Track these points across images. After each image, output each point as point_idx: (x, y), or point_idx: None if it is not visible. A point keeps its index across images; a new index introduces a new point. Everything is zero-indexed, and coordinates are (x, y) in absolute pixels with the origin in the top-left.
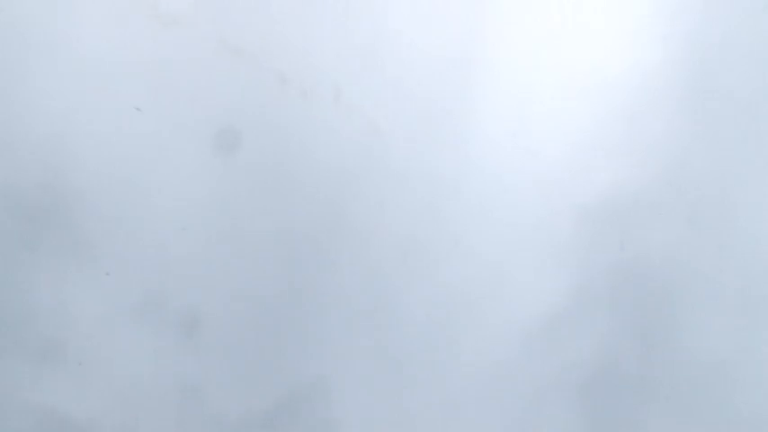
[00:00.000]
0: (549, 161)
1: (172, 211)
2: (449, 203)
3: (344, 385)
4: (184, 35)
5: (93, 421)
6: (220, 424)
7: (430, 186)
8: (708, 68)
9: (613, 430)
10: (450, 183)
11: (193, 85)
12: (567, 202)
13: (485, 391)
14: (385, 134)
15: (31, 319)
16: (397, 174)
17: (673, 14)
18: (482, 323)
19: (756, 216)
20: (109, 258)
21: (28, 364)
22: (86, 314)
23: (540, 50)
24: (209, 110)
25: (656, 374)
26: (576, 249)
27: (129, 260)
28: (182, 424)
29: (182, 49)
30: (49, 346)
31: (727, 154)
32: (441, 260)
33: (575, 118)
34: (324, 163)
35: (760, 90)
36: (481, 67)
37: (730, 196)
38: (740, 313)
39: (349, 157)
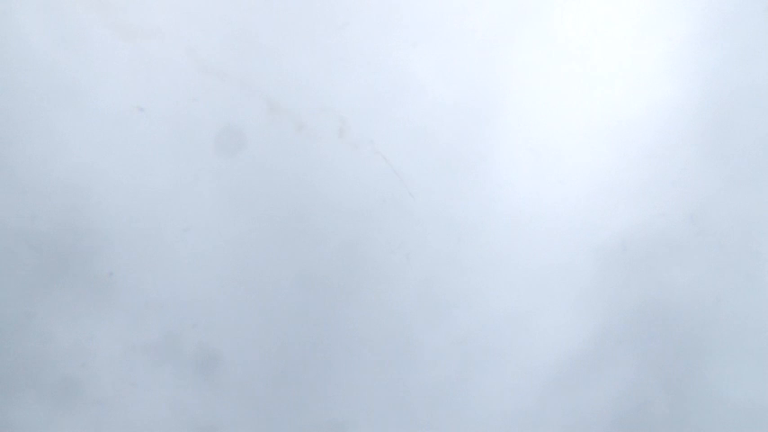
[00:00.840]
0: (569, 204)
1: (191, 253)
2: (468, 248)
3: (363, 430)
4: (213, 85)
5: None
6: None
7: (449, 231)
8: (730, 107)
9: None
10: (469, 227)
11: (212, 138)
12: (588, 245)
13: None
14: (404, 178)
15: (48, 358)
16: (417, 218)
17: (693, 53)
18: (502, 370)
19: None
20: (129, 298)
21: (45, 403)
22: (104, 353)
23: (558, 94)
24: (228, 157)
25: (684, 420)
26: (598, 293)
27: (148, 300)
28: None
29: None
30: (66, 386)
31: (751, 193)
32: (460, 305)
33: (594, 160)
34: (343, 206)
35: None
36: (499, 113)
37: (754, 236)
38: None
39: (368, 200)
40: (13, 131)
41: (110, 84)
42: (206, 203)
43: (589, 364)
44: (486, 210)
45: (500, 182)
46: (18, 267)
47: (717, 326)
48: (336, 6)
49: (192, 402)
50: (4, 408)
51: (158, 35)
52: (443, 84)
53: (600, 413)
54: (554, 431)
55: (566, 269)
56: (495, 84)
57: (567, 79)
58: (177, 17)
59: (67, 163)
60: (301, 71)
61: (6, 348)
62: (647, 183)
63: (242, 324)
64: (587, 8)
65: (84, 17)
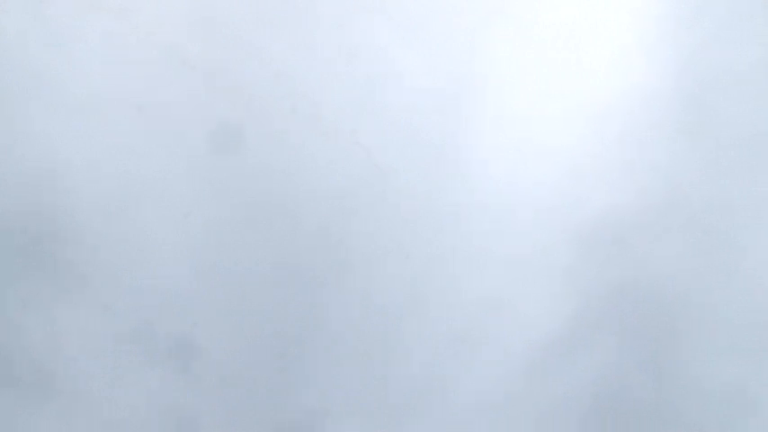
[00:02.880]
0: (546, 188)
1: (166, 242)
2: (446, 234)
3: (343, 421)
4: (179, 68)
5: None
6: None
7: (429, 220)
8: (707, 89)
9: None
10: (447, 213)
11: (187, 122)
12: (565, 227)
13: (486, 424)
14: (384, 169)
15: (19, 349)
16: (397, 208)
17: (670, 35)
18: (479, 356)
19: (759, 236)
20: (102, 289)
21: (15, 395)
22: (77, 345)
23: (535, 79)
24: (205, 144)
25: (663, 402)
26: (575, 275)
27: (122, 290)
28: None
29: (174, 82)
30: (38, 377)
31: (727, 175)
32: (440, 294)
33: (571, 143)
34: (321, 195)
35: (760, 111)
36: (477, 99)
37: (731, 217)
38: (745, 335)
39: (348, 192)
40: None
41: (80, 70)
42: (180, 191)
43: (567, 347)
44: (464, 195)
45: (478, 167)
46: None
47: (695, 307)
48: None
49: (168, 393)
50: None
51: (127, 19)
52: (421, 71)
53: (578, 397)
54: (533, 416)
55: (543, 252)
56: (473, 70)
57: (544, 64)
58: (146, 1)
59: (36, 150)
60: (277, 59)
61: None
62: (624, 165)
63: (219, 314)
64: None
65: (54, 2)
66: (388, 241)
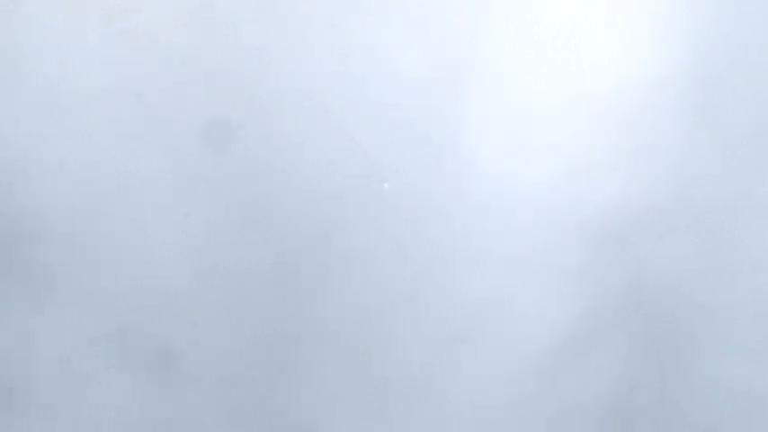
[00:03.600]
0: (546, 181)
1: (146, 241)
2: (442, 233)
3: (341, 424)
4: (169, 64)
5: None
6: None
7: (428, 219)
8: (721, 73)
9: None
10: (444, 210)
11: (168, 108)
12: (568, 224)
13: (489, 429)
14: (373, 158)
15: None
16: (388, 201)
17: (680, 11)
18: (480, 359)
19: None
20: (76, 289)
21: None
22: (49, 350)
23: (531, 64)
24: (185, 134)
25: (676, 404)
26: (579, 275)
27: (97, 292)
28: None
29: (154, 66)
30: (7, 387)
31: (741, 166)
32: (436, 293)
33: (572, 134)
34: (310, 190)
35: None
36: (469, 87)
37: (745, 211)
38: (758, 334)
39: (338, 184)
40: None
41: (53, 59)
42: (163, 188)
43: (573, 350)
44: (464, 194)
45: (472, 160)
46: None
47: (702, 307)
48: None
49: (148, 402)
50: None
51: (117, 15)
52: (419, 67)
53: (586, 402)
54: (538, 422)
55: (544, 250)
56: (465, 56)
57: (540, 48)
58: None
59: (3, 142)
60: (263, 48)
61: None
62: (629, 157)
63: (204, 317)
64: None
65: None
66: (387, 241)
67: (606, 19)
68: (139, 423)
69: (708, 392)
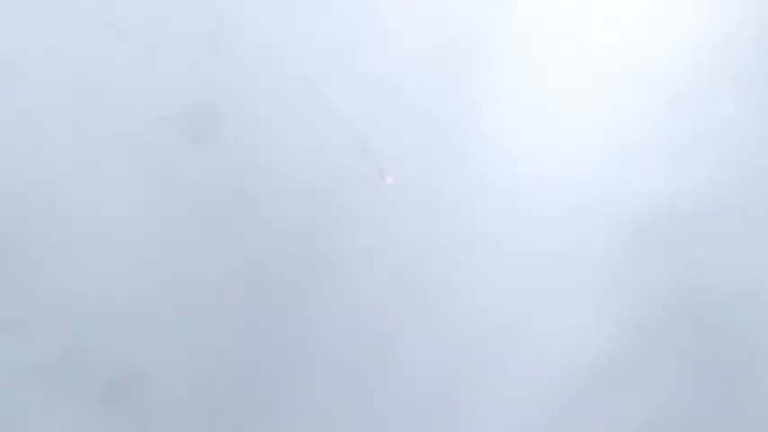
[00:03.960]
0: (578, 174)
1: (100, 249)
2: (453, 234)
3: None
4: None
5: None
6: None
7: (428, 212)
8: None
9: None
10: (454, 207)
11: (125, 96)
12: (604, 224)
13: None
14: (371, 147)
15: None
16: (389, 198)
17: None
18: (501, 386)
19: None
20: (19, 309)
21: None
22: None
23: (560, 33)
24: (145, 121)
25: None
26: (618, 284)
27: (35, 312)
28: None
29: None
30: None
31: None
32: (446, 306)
33: (609, 117)
34: (301, 183)
35: None
36: (485, 61)
37: None
38: None
39: (331, 176)
40: None
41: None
42: (119, 185)
43: (613, 373)
44: (474, 185)
45: (490, 149)
46: None
47: (765, 316)
48: None
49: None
50: None
51: None
52: (415, 28)
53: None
54: None
55: (576, 255)
56: (479, 24)
57: (573, 13)
58: None
59: None
60: (242, 16)
61: None
62: (676, 145)
63: (168, 336)
64: None
65: None
66: (383, 247)
67: None
68: None
69: None
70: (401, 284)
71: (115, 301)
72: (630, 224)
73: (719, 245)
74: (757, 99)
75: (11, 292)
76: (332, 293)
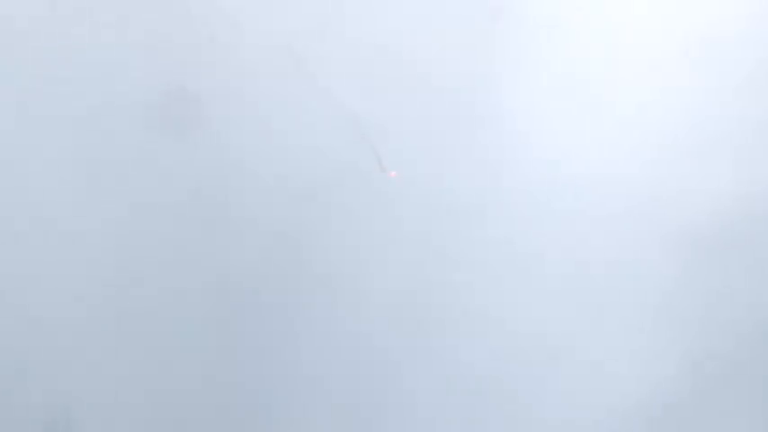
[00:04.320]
0: (628, 173)
1: (30, 258)
2: (471, 243)
3: None
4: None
5: None
6: None
7: (441, 216)
8: None
9: None
10: (473, 212)
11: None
12: (661, 234)
13: None
14: (378, 143)
15: None
16: (395, 206)
17: None
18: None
19: None
20: None
21: None
22: None
23: (607, 6)
24: (107, 110)
25: None
26: (681, 304)
27: None
28: None
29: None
30: None
31: None
32: (464, 328)
33: (671, 104)
34: (290, 180)
35: None
36: (513, 32)
37: None
38: None
39: (322, 173)
40: None
41: None
42: (66, 186)
43: (679, 416)
44: (497, 180)
45: (516, 138)
46: None
47: None
48: None
49: None
50: None
51: None
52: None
53: None
54: None
55: (624, 268)
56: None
57: None
58: None
59: None
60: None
61: None
62: (744, 137)
63: (116, 371)
64: None
65: None
66: (388, 252)
67: None
68: None
69: None
70: (407, 302)
71: (54, 326)
72: (689, 231)
73: None
74: None
75: None
76: (329, 308)
